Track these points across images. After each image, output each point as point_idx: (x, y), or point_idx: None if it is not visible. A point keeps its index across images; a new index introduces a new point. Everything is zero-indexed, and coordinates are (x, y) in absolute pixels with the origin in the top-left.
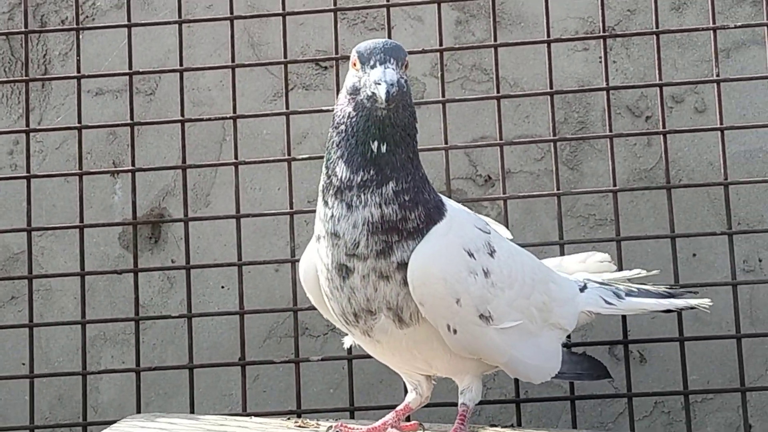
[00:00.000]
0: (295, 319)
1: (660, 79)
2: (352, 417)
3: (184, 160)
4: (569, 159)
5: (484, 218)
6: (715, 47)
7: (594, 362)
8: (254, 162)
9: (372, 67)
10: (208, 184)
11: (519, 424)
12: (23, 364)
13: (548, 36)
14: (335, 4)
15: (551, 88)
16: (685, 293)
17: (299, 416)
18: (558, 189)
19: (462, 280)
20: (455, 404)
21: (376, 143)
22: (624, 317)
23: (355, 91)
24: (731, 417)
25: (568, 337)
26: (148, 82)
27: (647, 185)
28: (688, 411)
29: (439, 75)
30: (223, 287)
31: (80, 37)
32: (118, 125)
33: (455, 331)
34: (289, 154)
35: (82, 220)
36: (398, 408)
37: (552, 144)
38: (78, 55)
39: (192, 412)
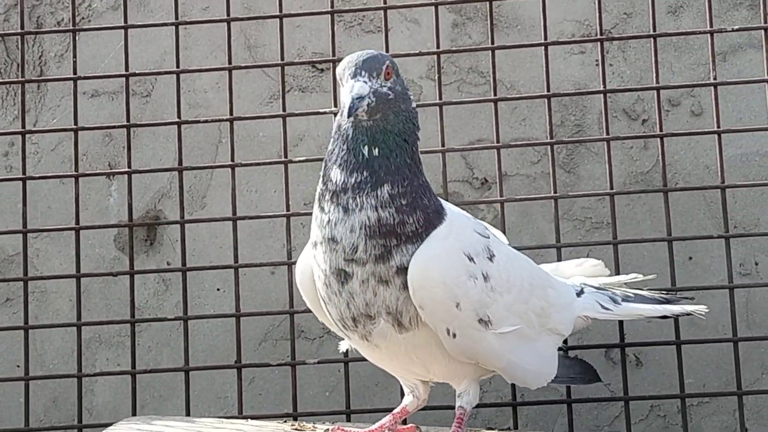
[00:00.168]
0: (291, 321)
1: (657, 82)
2: (348, 420)
3: (180, 162)
4: (566, 162)
5: (484, 223)
6: (712, 50)
7: (585, 366)
8: (251, 164)
9: (346, 81)
10: (204, 187)
11: (515, 428)
12: (18, 366)
13: (545, 39)
14: (332, 6)
15: (548, 90)
16: (681, 299)
17: (295, 419)
18: (555, 192)
19: (462, 284)
20: (452, 407)
21: (366, 147)
22: (621, 321)
23: (343, 104)
24: (727, 420)
25: (564, 341)
26: (144, 84)
27: (644, 188)
28: (684, 415)
29: (436, 77)
30: (218, 290)
31: (76, 38)
32: (114, 127)
33: (454, 336)
34: (285, 157)
35: (77, 222)
36: (395, 411)
37: (549, 147)
38: (74, 56)
39: (188, 414)
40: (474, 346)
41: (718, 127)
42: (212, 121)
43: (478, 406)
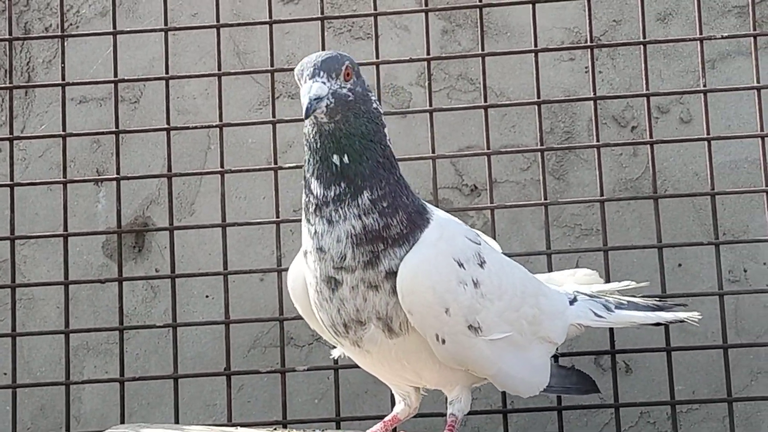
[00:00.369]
0: (280, 328)
1: (647, 89)
2: (338, 427)
3: (169, 169)
4: (555, 169)
5: (476, 231)
6: (702, 58)
7: (582, 376)
8: (240, 170)
9: (304, 82)
10: (192, 193)
11: None
12: (5, 374)
13: (535, 46)
14: (322, 12)
15: (538, 97)
16: (674, 306)
17: (285, 427)
18: (545, 199)
19: (451, 290)
20: (443, 415)
21: (336, 156)
22: (611, 328)
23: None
24: (717, 427)
25: (557, 349)
26: (132, 90)
27: (633, 195)
28: (674, 421)
29: (426, 84)
30: (207, 296)
31: (65, 44)
32: (102, 133)
33: (444, 341)
34: (275, 163)
35: (66, 229)
36: (386, 419)
37: (539, 153)
38: (63, 62)
39: (176, 422)
40: (463, 352)
41: (708, 134)
42: (201, 127)
43: (473, 413)
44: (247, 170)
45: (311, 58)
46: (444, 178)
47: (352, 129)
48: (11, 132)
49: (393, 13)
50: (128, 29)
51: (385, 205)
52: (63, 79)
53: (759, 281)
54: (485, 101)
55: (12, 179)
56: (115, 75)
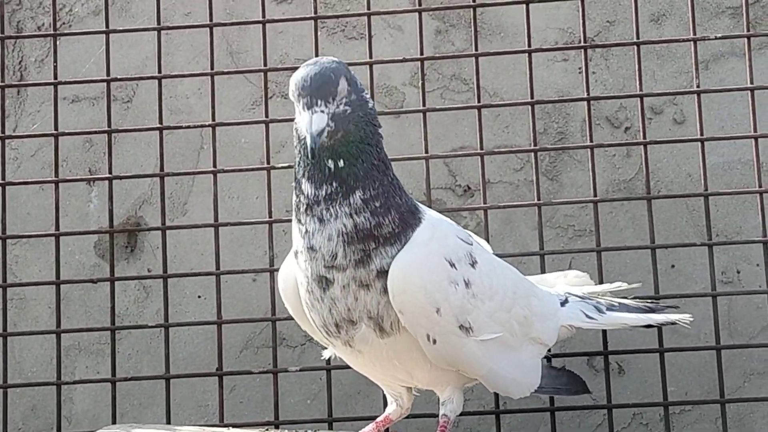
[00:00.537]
0: (273, 329)
1: (640, 90)
2: (330, 428)
3: (161, 168)
4: (548, 169)
5: (468, 232)
6: (695, 59)
7: (573, 377)
8: (232, 170)
9: (302, 110)
10: (185, 193)
11: None
12: None
13: (529, 46)
14: (315, 12)
15: (532, 98)
16: (666, 308)
17: (277, 427)
18: (538, 199)
19: (442, 290)
20: (435, 415)
21: (331, 161)
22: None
23: (298, 118)
24: (709, 428)
25: (549, 350)
26: (125, 90)
27: (626, 196)
28: (667, 423)
29: (420, 84)
30: (199, 297)
31: (57, 43)
32: (94, 132)
33: (434, 341)
34: (267, 163)
35: (57, 229)
36: (378, 419)
37: (532, 154)
38: (55, 61)
39: (168, 422)
40: (454, 352)
41: (701, 135)
42: (194, 126)
43: (465, 414)
44: (240, 170)
45: (305, 82)
46: (437, 178)
47: (350, 137)
48: (3, 131)
49: (386, 13)
50: (121, 28)
51: (377, 204)
52: (55, 78)
53: (752, 282)
54: (478, 101)
55: (3, 178)
56: (108, 74)
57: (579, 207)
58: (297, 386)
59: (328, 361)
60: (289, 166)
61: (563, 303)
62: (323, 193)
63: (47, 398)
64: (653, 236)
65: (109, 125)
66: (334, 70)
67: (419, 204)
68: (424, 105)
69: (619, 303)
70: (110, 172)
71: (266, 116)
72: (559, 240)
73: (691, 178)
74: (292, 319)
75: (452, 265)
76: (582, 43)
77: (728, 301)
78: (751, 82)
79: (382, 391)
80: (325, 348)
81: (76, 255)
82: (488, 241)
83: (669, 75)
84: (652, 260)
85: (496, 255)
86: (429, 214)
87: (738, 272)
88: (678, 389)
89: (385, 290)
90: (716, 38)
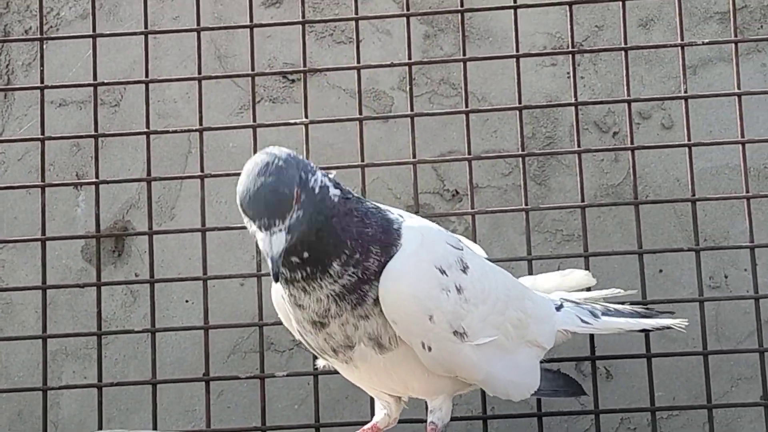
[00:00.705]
0: (260, 334)
1: (628, 95)
2: None
3: (148, 173)
4: (537, 174)
5: (458, 236)
6: (683, 64)
7: (568, 379)
8: (220, 175)
9: (258, 229)
10: (173, 197)
11: None
12: None
13: (517, 51)
14: (303, 16)
15: (520, 103)
16: (660, 313)
17: None
18: (526, 204)
19: (434, 297)
20: (423, 421)
21: (295, 257)
22: (592, 334)
23: None
24: None
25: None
26: (112, 94)
27: (614, 201)
28: (654, 427)
29: (408, 89)
30: (187, 301)
31: (44, 47)
32: (81, 137)
33: (430, 349)
34: None
35: (44, 233)
36: (365, 427)
37: (520, 159)
38: (42, 65)
39: (155, 428)
40: (451, 358)
41: (689, 140)
42: (181, 131)
43: (452, 419)
44: (227, 174)
45: (259, 201)
46: (425, 183)
47: (310, 232)
48: None
49: (374, 18)
50: (108, 32)
51: (357, 257)
52: (42, 82)
53: (740, 287)
54: (466, 106)
55: None
56: (95, 78)
57: (567, 212)
58: (285, 391)
59: (315, 365)
60: None
61: (558, 308)
62: (299, 275)
63: (34, 403)
64: (640, 241)
65: (96, 129)
66: (287, 182)
67: (391, 212)
68: (411, 110)
69: (614, 308)
70: (97, 177)
71: (254, 121)
72: (548, 245)
73: (679, 183)
74: (280, 323)
75: (442, 271)
76: (570, 48)
77: (716, 306)
78: (738, 88)
79: (370, 396)
80: (317, 357)
81: (63, 259)
82: (478, 245)
83: (657, 80)
84: (640, 265)
85: (490, 261)
86: (407, 222)
87: (726, 277)
88: (666, 394)
89: (384, 312)
90: (703, 43)
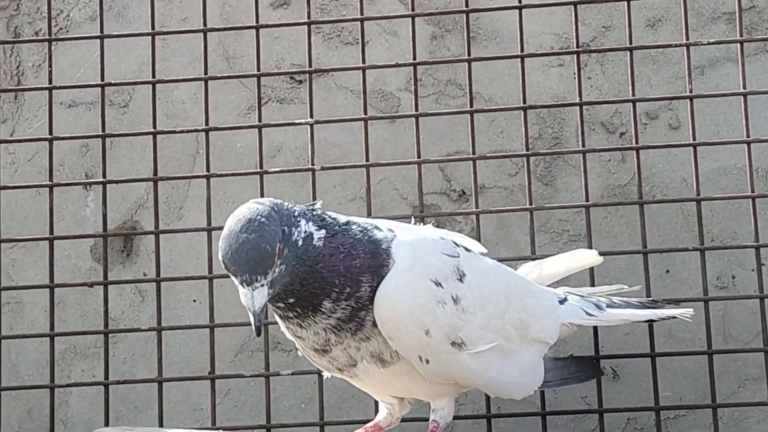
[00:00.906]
0: (266, 333)
1: (633, 95)
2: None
3: (155, 173)
4: (543, 174)
5: (455, 235)
6: (689, 63)
7: (581, 364)
8: (226, 174)
9: (240, 284)
10: (181, 198)
11: None
12: None
13: (522, 51)
14: (309, 17)
15: (524, 102)
16: (666, 304)
17: (269, 431)
18: (530, 204)
19: (429, 311)
20: (426, 419)
21: (282, 303)
22: (596, 332)
23: None
24: None
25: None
26: (121, 95)
27: (620, 201)
28: (659, 427)
29: (413, 89)
30: (195, 301)
31: (53, 48)
32: (89, 137)
33: (427, 362)
34: (261, 167)
35: (51, 232)
36: (367, 425)
37: (525, 159)
38: (50, 66)
39: (161, 425)
40: (449, 368)
41: (694, 139)
42: (187, 131)
43: (455, 418)
44: (233, 174)
45: (241, 259)
46: (432, 183)
47: (293, 281)
48: None
49: (379, 18)
50: (115, 33)
51: (347, 290)
52: (50, 82)
53: (747, 287)
54: (471, 106)
55: None
56: (102, 79)
57: (574, 212)
58: (292, 390)
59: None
60: (283, 171)
61: (562, 301)
62: (292, 315)
63: (43, 401)
64: (645, 241)
65: (104, 129)
66: (269, 238)
67: (379, 229)
68: (417, 110)
69: (619, 301)
70: (104, 177)
71: (259, 121)
72: (554, 245)
73: (686, 184)
74: None
75: (438, 284)
76: (576, 48)
77: (723, 307)
78: (744, 87)
79: None
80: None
81: (73, 259)
82: (477, 242)
83: (665, 80)
84: (644, 265)
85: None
86: (399, 236)
87: (733, 277)
88: (673, 394)
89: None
90: (709, 43)
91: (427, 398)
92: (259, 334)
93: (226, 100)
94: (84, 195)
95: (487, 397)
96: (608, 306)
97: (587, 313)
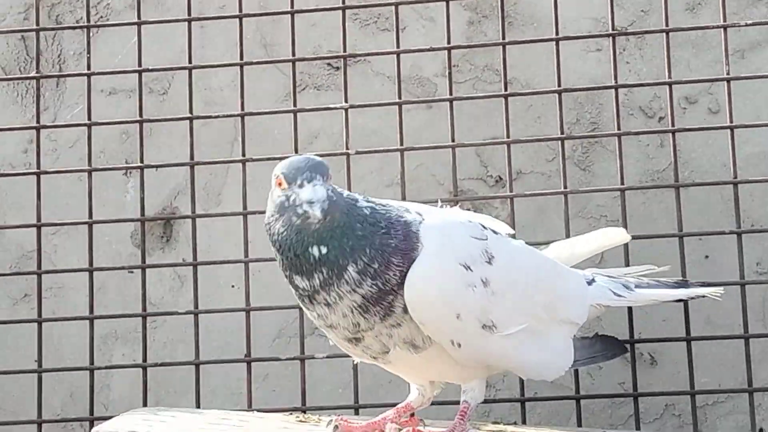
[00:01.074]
0: (300, 317)
1: (669, 77)
2: (357, 414)
3: (191, 158)
4: (581, 159)
5: (482, 218)
6: (725, 46)
7: (607, 341)
8: (261, 159)
9: (300, 186)
10: (219, 184)
11: (524, 423)
12: (35, 360)
13: (557, 34)
14: (343, 2)
15: (559, 86)
16: (696, 284)
17: (304, 413)
18: (565, 188)
19: (460, 295)
20: (456, 402)
21: (315, 247)
22: (631, 316)
23: (283, 208)
24: (743, 420)
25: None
26: (161, 82)
27: (657, 185)
28: (694, 411)
29: (447, 74)
30: (233, 286)
31: (91, 35)
32: (126, 122)
33: (460, 345)
34: (296, 152)
35: (90, 217)
36: (399, 406)
37: (560, 142)
38: (88, 52)
39: (198, 407)
40: (481, 351)
41: (731, 122)
42: (223, 116)
43: (491, 401)
44: (267, 159)
45: (302, 163)
46: (469, 169)
47: (335, 224)
48: (38, 121)
49: (414, 2)
50: (152, 20)
51: (375, 266)
52: (89, 69)
53: None
54: (506, 90)
55: (39, 168)
56: (139, 65)
57: (611, 197)
58: (329, 375)
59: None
60: (318, 155)
61: (590, 282)
62: (317, 282)
63: (85, 385)
64: (681, 224)
65: (141, 115)
66: (323, 161)
67: (409, 211)
68: (451, 94)
69: (648, 281)
70: (142, 162)
71: (294, 106)
72: (592, 230)
73: (726, 168)
74: None
75: (467, 267)
76: (611, 31)
77: (763, 292)
78: None
79: None
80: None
81: (114, 245)
82: (518, 231)
83: (704, 64)
84: (680, 248)
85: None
86: (427, 220)
87: None
88: (711, 380)
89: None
90: (746, 25)
91: (458, 381)
92: (325, 218)
93: (264, 87)
94: (124, 182)
95: (522, 381)
96: (637, 286)
97: (615, 293)
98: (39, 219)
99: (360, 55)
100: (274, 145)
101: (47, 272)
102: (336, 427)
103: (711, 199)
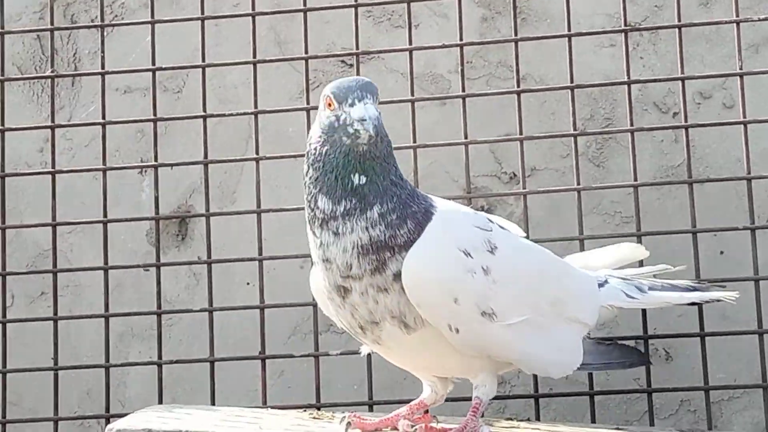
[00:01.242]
0: (314, 314)
1: (682, 72)
2: (371, 411)
3: (205, 156)
4: (595, 156)
5: (492, 217)
6: (738, 40)
7: (626, 350)
8: (274, 157)
9: (351, 105)
10: (234, 182)
11: (537, 419)
12: (52, 358)
13: (570, 30)
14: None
15: (572, 82)
16: (711, 287)
17: (318, 410)
18: (578, 184)
19: (458, 280)
20: (469, 399)
21: (357, 175)
22: (645, 313)
23: (332, 129)
24: (759, 416)
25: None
26: (175, 80)
27: (671, 181)
28: (708, 406)
29: (460, 70)
30: (248, 284)
31: (105, 34)
32: (140, 121)
33: (457, 330)
34: None
35: (105, 215)
36: (412, 403)
37: (573, 139)
38: (102, 51)
39: (213, 404)
40: (480, 338)
41: (744, 117)
42: (236, 114)
43: (504, 398)
44: (281, 157)
45: (353, 83)
46: (483, 166)
47: (377, 152)
48: (53, 120)
49: None
50: (166, 18)
51: (393, 217)
52: (103, 68)
53: None
54: (518, 86)
55: (54, 167)
56: (153, 63)
57: (626, 193)
58: (344, 372)
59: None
60: None
61: (602, 284)
62: (341, 209)
63: (101, 383)
64: (695, 220)
65: (155, 114)
66: (372, 81)
67: (435, 200)
68: (463, 90)
69: (662, 283)
70: (156, 160)
71: (307, 103)
72: (606, 226)
73: (740, 164)
74: None
75: (467, 254)
76: (624, 27)
77: None
78: None
79: None
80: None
81: (129, 243)
82: (532, 228)
83: (718, 59)
84: (694, 244)
85: (540, 241)
86: (441, 209)
87: None
88: (727, 376)
89: (404, 290)
90: (759, 20)
91: (463, 374)
92: (377, 135)
93: (279, 85)
94: (140, 180)
95: (535, 377)
96: (650, 288)
97: (628, 295)
98: (54, 218)
99: (373, 52)
100: (290, 143)
101: (63, 270)
102: (349, 423)
103: (725, 194)
